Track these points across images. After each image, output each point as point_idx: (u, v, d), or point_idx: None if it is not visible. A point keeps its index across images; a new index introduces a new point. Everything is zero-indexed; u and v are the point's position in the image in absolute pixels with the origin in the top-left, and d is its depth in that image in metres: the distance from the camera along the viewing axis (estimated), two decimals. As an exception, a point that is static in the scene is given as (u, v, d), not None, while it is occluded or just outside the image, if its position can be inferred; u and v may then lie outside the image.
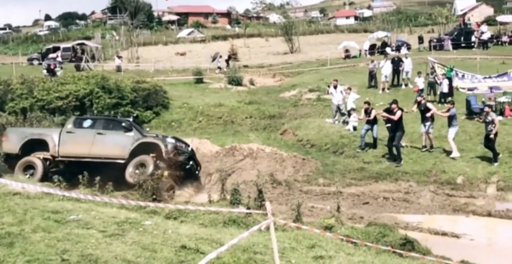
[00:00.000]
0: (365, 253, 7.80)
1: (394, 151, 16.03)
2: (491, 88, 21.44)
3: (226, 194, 12.01)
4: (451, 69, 24.15)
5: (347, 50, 41.45)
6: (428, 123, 16.50)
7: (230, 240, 7.23)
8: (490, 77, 24.03)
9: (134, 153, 14.47)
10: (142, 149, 14.54)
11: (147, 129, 17.22)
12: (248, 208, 10.08)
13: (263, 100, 26.57)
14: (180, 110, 24.30)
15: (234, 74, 31.76)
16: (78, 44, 44.28)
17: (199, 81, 31.34)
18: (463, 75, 24.85)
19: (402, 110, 16.45)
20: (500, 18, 50.03)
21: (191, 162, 15.38)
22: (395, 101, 16.63)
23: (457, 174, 14.87)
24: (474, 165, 15.31)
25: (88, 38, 56.89)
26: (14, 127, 16.97)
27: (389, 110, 16.44)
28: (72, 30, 79.12)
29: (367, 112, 17.25)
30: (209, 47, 51.61)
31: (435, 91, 23.35)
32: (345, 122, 19.88)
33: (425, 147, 16.61)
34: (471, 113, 20.04)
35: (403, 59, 27.00)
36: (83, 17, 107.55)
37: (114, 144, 14.74)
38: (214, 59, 37.62)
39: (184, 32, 68.71)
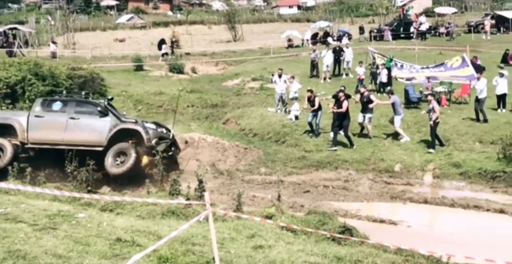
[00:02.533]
0: (305, 241, 7.86)
1: (333, 137, 16.49)
2: (428, 78, 22.06)
3: (165, 185, 11.82)
4: (391, 60, 24.72)
5: (290, 40, 41.68)
6: (368, 115, 16.95)
7: (168, 232, 7.11)
8: (427, 67, 24.65)
9: (112, 140, 13.59)
10: (121, 135, 13.71)
11: (124, 113, 15.99)
12: (188, 199, 9.96)
13: (206, 88, 26.32)
14: (118, 99, 23.58)
15: (175, 62, 31.27)
16: (10, 29, 42.24)
17: (139, 68, 30.65)
18: (401, 66, 25.39)
19: (349, 97, 16.85)
20: (438, 9, 51.63)
21: (173, 148, 14.70)
22: (342, 90, 17.06)
23: (395, 162, 15.28)
24: (412, 153, 15.79)
25: (22, 22, 54.31)
26: None
27: (336, 98, 16.77)
28: (4, 14, 75.48)
29: (310, 100, 17.45)
30: (150, 34, 50.57)
31: (376, 81, 23.90)
32: (287, 112, 20.02)
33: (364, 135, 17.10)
34: (409, 102, 20.64)
35: (344, 49, 27.46)
36: (16, 0, 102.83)
37: (89, 130, 13.73)
38: (160, 45, 36.80)
39: (123, 18, 66.92)
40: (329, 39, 38.83)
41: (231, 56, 36.96)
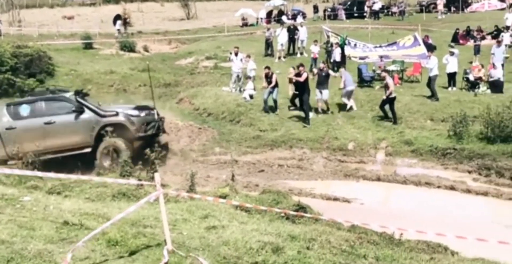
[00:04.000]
0: (259, 221, 7.78)
1: (304, 112, 16.67)
2: (381, 57, 22.31)
3: (116, 167, 11.51)
4: (344, 39, 24.83)
5: (244, 18, 41.25)
6: (325, 91, 17.06)
7: (118, 214, 6.88)
8: (380, 46, 24.93)
9: (98, 138, 12.81)
10: (106, 131, 12.80)
11: (99, 103, 14.73)
12: (139, 180, 9.71)
13: (158, 67, 25.75)
14: (67, 78, 22.91)
15: (126, 40, 30.45)
16: (-51, 4, 40.14)
17: (88, 47, 29.68)
18: (355, 45, 25.58)
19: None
20: (391, -11, 52.07)
21: (160, 129, 14.10)
22: (301, 65, 17.37)
23: (348, 140, 15.43)
24: (364, 131, 15.97)
25: (-38, -2, 51.68)
26: None
27: (297, 73, 16.97)
28: None
29: (268, 77, 17.42)
30: (100, 11, 49.10)
31: (330, 59, 23.98)
32: (242, 91, 19.87)
33: (321, 111, 17.18)
34: (362, 81, 20.82)
35: (299, 27, 27.37)
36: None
37: (70, 132, 12.73)
38: (115, 21, 35.77)
39: (72, -5, 64.61)
40: (284, 18, 38.65)
41: (184, 34, 36.31)
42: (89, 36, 30.59)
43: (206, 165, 13.97)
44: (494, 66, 19.63)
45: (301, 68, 16.93)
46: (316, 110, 17.26)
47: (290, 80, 17.71)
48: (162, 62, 27.44)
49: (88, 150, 12.71)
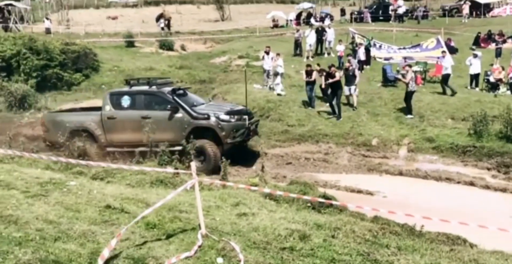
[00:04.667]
0: (286, 209, 7.74)
1: (336, 108, 16.60)
2: (405, 58, 21.95)
3: (154, 156, 11.60)
4: (370, 40, 24.52)
5: (275, 20, 41.07)
6: (353, 87, 17.03)
7: (156, 199, 6.94)
8: (404, 48, 24.61)
9: (187, 138, 12.31)
10: (195, 133, 12.36)
11: (210, 99, 14.46)
12: (176, 168, 9.76)
13: (194, 65, 25.88)
14: (110, 73, 23.22)
15: (165, 39, 30.67)
16: (6, 4, 40.97)
17: (130, 45, 30.00)
18: (380, 46, 25.32)
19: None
20: (415, -6, 51.10)
21: (250, 134, 13.30)
22: (332, 65, 17.56)
23: (372, 137, 15.23)
24: (388, 128, 15.74)
25: (17, -1, 52.78)
26: (53, 113, 14.39)
27: (328, 73, 17.07)
28: (0, -9, 73.19)
29: (309, 73, 17.38)
30: (141, 12, 49.49)
31: (355, 57, 23.75)
32: (272, 88, 19.86)
33: (351, 106, 17.06)
34: (386, 81, 20.52)
35: (327, 29, 27.14)
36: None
37: (164, 129, 12.35)
38: (158, 19, 36.18)
39: (116, -3, 65.35)
40: (312, 20, 38.32)
41: (219, 34, 36.36)
42: (131, 35, 30.92)
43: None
44: (514, 68, 19.10)
45: (333, 68, 16.99)
46: (351, 105, 17.15)
47: (308, 73, 17.63)
48: (198, 60, 27.54)
49: (179, 148, 12.06)
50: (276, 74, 19.72)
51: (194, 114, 12.66)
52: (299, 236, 6.31)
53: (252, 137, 13.64)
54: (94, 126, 13.01)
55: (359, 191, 11.43)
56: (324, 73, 17.30)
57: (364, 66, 22.90)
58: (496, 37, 27.54)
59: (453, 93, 17.74)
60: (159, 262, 5.29)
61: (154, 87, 13.19)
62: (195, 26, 40.59)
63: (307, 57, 25.68)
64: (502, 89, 19.07)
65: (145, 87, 13.23)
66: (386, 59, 23.73)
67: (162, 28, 35.43)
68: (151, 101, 12.94)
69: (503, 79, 19.43)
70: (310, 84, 17.50)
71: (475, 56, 19.58)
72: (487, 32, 28.53)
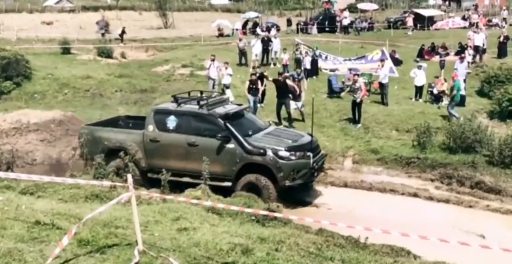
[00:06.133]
0: (229, 223, 7.74)
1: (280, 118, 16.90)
2: (350, 69, 22.54)
3: (89, 169, 11.31)
4: (315, 50, 25.14)
5: (220, 29, 41.25)
6: (299, 103, 17.34)
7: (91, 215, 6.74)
8: (350, 59, 25.23)
9: (238, 174, 11.19)
10: (247, 169, 11.12)
11: (269, 122, 13.06)
12: (112, 181, 9.55)
13: (135, 74, 25.49)
14: (44, 82, 22.46)
15: (104, 46, 30.12)
16: None
17: (66, 52, 29.20)
18: (326, 57, 25.88)
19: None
20: (361, 5, 52.80)
21: (315, 174, 11.76)
22: (280, 73, 18.31)
23: (318, 148, 15.47)
24: (333, 139, 16.07)
25: None
26: (91, 127, 12.88)
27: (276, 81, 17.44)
28: None
29: (253, 83, 17.56)
30: (78, 18, 48.40)
31: (300, 67, 24.32)
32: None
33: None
34: (332, 92, 21.03)
35: (273, 39, 27.56)
36: None
37: (212, 160, 10.82)
38: (99, 23, 35.72)
39: (51, 1, 63.41)
40: (258, 30, 38.79)
41: (162, 42, 36.09)
42: (67, 42, 30.12)
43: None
44: (456, 80, 19.99)
45: (284, 76, 17.54)
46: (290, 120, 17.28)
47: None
48: (139, 68, 27.14)
49: (228, 184, 11.07)
50: (224, 85, 19.82)
51: (248, 147, 11.07)
52: (241, 250, 6.32)
53: (317, 177, 12.04)
54: (134, 147, 11.78)
55: (305, 204, 11.56)
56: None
57: (309, 77, 23.36)
58: (440, 50, 28.87)
59: (384, 102, 18.53)
60: (92, 281, 5.15)
61: (204, 108, 11.63)
62: (137, 33, 40.07)
63: (253, 67, 25.86)
64: (445, 101, 19.89)
65: (195, 107, 11.70)
66: (331, 70, 24.26)
67: (103, 34, 34.84)
68: (199, 126, 11.50)
69: (446, 91, 20.30)
70: (254, 94, 17.55)
71: (420, 67, 20.40)
72: (430, 44, 29.82)
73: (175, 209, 8.02)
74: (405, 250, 8.04)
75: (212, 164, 10.77)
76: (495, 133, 14.41)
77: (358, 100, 16.91)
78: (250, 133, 11.58)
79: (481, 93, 20.95)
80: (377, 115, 17.80)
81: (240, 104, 13.39)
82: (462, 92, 19.65)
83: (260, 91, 17.81)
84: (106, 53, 29.17)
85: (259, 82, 17.72)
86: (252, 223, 8.08)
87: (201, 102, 11.79)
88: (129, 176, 5.98)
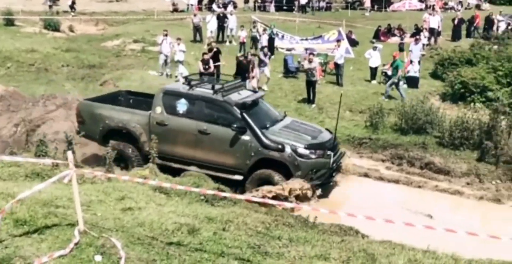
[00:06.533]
0: (177, 203, 7.65)
1: None
2: (306, 49, 22.60)
3: (31, 146, 10.91)
4: (272, 29, 25.01)
5: (174, 4, 40.43)
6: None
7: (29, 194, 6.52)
8: (306, 39, 25.31)
9: (251, 168, 10.52)
10: (262, 164, 10.45)
11: (284, 113, 12.26)
12: (55, 159, 9.24)
13: (83, 48, 24.71)
14: (-16, 55, 21.53)
15: (51, 19, 29.03)
16: None
17: (10, 23, 28.02)
18: (282, 36, 25.83)
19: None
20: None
21: (333, 175, 11.11)
22: (242, 55, 18.37)
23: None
24: (288, 119, 16.10)
25: None
26: (91, 103, 11.95)
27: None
28: None
29: (206, 63, 17.29)
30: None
31: (256, 45, 24.28)
32: (169, 76, 19.63)
33: None
34: (287, 72, 21.05)
35: (229, 16, 27.24)
36: None
37: (223, 151, 10.43)
38: None
39: (-6, -31, 60.70)
40: (214, 6, 38.22)
41: (113, 16, 35.09)
42: (10, 13, 28.88)
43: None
44: (411, 62, 20.40)
45: (250, 57, 17.59)
46: None
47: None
48: (87, 43, 26.33)
49: (239, 177, 10.45)
50: (177, 61, 19.52)
51: (265, 141, 10.34)
52: (187, 230, 6.27)
53: (335, 177, 11.33)
54: (138, 129, 11.03)
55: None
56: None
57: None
58: (396, 32, 29.34)
59: (340, 83, 18.77)
60: (28, 262, 4.98)
61: (219, 94, 10.79)
62: (87, 6, 38.76)
63: (208, 44, 25.53)
64: (400, 82, 20.23)
65: (209, 92, 10.86)
66: (288, 49, 24.27)
67: (50, 6, 33.58)
68: (212, 113, 10.75)
69: (401, 73, 20.64)
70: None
71: (375, 49, 20.65)
72: (387, 26, 30.21)
73: (120, 188, 7.85)
74: (354, 229, 8.19)
75: (223, 155, 10.41)
76: (446, 114, 14.77)
77: (313, 80, 17.00)
78: (267, 125, 10.90)
79: (434, 75, 21.46)
80: (332, 96, 17.93)
81: (255, 91, 12.57)
82: (416, 74, 20.13)
83: (212, 69, 17.57)
84: (53, 26, 28.18)
85: (211, 61, 17.47)
86: (201, 203, 8.02)
87: (216, 87, 10.90)
88: (70, 153, 5.78)
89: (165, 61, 20.07)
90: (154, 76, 19.60)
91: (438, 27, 27.65)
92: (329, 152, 10.69)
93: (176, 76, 19.15)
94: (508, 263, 6.92)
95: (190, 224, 6.43)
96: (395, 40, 28.15)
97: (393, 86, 17.93)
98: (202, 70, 17.30)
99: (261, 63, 18.41)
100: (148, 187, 8.15)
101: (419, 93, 17.82)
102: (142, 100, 12.37)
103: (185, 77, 11.94)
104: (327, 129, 11.86)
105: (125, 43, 25.74)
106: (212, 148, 10.48)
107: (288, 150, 10.31)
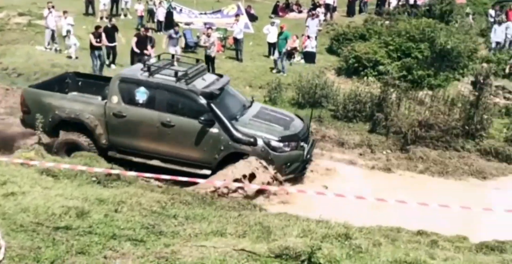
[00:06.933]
0: (66, 185, 7.29)
1: None
2: (205, 24, 22.33)
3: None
4: (170, 2, 24.44)
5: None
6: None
7: None
8: (205, 13, 24.99)
9: (220, 164, 9.71)
10: (232, 158, 9.65)
11: (252, 98, 11.55)
12: None
13: (-41, 22, 22.68)
14: None
15: None
16: None
17: None
18: (181, 10, 25.30)
19: None
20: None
21: (306, 166, 10.49)
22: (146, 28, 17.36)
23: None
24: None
25: None
26: (37, 91, 10.69)
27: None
28: None
29: (97, 36, 16.50)
30: None
31: (153, 18, 23.63)
32: (58, 51, 18.59)
33: None
34: (186, 47, 20.67)
35: (123, -12, 26.14)
36: None
37: (189, 145, 9.66)
38: None
39: None
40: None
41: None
42: None
43: (11, 128, 12.68)
44: (308, 38, 20.80)
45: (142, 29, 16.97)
46: None
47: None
48: (-35, 15, 24.21)
49: (207, 172, 9.65)
50: (67, 33, 18.51)
51: (236, 134, 9.65)
52: (76, 213, 6.01)
53: (307, 169, 10.65)
54: (93, 121, 10.07)
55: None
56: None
57: (163, 31, 22.75)
58: (294, 7, 29.76)
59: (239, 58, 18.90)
60: None
61: (183, 82, 9.94)
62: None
63: (101, 18, 24.43)
64: (297, 58, 20.66)
65: (171, 79, 9.96)
66: (186, 24, 23.82)
67: None
68: (176, 103, 9.93)
69: (298, 48, 21.04)
70: (98, 49, 16.58)
71: (273, 24, 20.79)
72: (285, 1, 30.52)
73: (2, 172, 7.34)
74: (252, 203, 8.30)
75: (189, 149, 9.72)
76: (341, 88, 15.29)
77: (212, 55, 16.85)
78: (237, 116, 10.18)
79: (330, 50, 22.06)
80: (231, 71, 17.90)
81: (220, 76, 11.55)
82: (313, 49, 20.59)
83: (105, 44, 16.83)
84: None
85: (103, 35, 16.72)
86: (92, 184, 7.72)
87: (179, 74, 10.02)
88: None
89: (52, 35, 18.98)
90: (41, 51, 18.50)
91: (334, 3, 28.38)
92: (302, 143, 10.22)
93: (66, 51, 18.21)
94: (395, 229, 7.34)
95: (79, 207, 6.16)
96: (293, 15, 28.57)
97: (285, 58, 18.24)
98: (96, 44, 16.55)
99: (171, 41, 17.75)
100: (34, 170, 7.70)
101: (315, 68, 18.27)
102: (92, 83, 11.55)
103: (144, 63, 10.83)
104: (297, 115, 11.49)
105: (9, 17, 23.87)
106: (177, 141, 9.78)
107: (260, 143, 9.66)
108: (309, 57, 20.28)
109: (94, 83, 11.52)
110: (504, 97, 16.78)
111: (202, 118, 9.58)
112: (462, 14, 25.67)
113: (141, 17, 23.62)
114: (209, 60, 17.05)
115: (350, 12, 28.89)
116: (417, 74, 17.02)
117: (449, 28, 20.03)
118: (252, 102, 11.36)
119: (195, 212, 6.86)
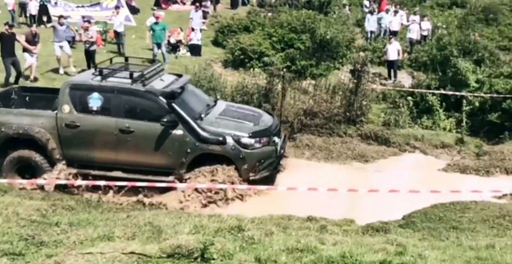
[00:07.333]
0: None
1: None
2: (83, 17, 21.37)
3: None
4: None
5: None
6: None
7: None
8: (83, 6, 23.91)
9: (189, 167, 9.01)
10: (203, 160, 9.00)
11: (216, 97, 10.85)
12: None
13: None
14: None
15: None
16: None
17: None
18: (56, 3, 24.01)
19: None
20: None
21: (280, 162, 9.95)
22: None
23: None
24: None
25: None
26: None
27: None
28: None
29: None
30: None
31: (26, 13, 22.30)
32: None
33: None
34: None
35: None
36: None
37: (152, 150, 8.96)
38: None
39: None
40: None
41: None
42: None
43: None
44: (193, 30, 20.65)
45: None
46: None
47: None
48: None
49: (171, 178, 8.98)
50: None
51: (203, 134, 9.06)
52: None
53: (280, 164, 10.24)
54: (44, 135, 9.11)
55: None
56: None
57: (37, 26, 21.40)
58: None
59: (121, 53, 18.32)
60: None
61: (139, 83, 9.21)
62: None
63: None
64: (182, 50, 20.46)
65: (126, 82, 9.21)
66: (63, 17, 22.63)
67: None
68: (134, 106, 9.20)
69: (183, 41, 20.84)
70: None
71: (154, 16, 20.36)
72: (166, -7, 30.00)
73: None
74: (141, 201, 8.09)
75: (152, 155, 9.09)
76: (228, 80, 15.36)
77: (91, 49, 16.18)
78: (202, 114, 9.58)
79: (216, 43, 22.09)
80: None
81: (179, 75, 10.92)
82: (199, 42, 20.50)
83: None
84: None
85: None
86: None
87: (135, 75, 9.34)
88: None
89: None
90: None
91: (217, -6, 28.43)
92: (275, 138, 9.82)
93: None
94: (286, 217, 7.52)
95: None
96: (176, 7, 28.20)
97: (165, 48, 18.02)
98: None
99: (57, 37, 16.57)
100: None
101: (201, 60, 18.19)
102: (41, 97, 10.54)
103: (95, 66, 10.15)
104: (266, 111, 11.18)
105: None
106: (138, 148, 9.15)
107: (230, 141, 9.17)
108: (195, 49, 20.16)
109: (44, 97, 10.54)
110: (381, 84, 17.88)
111: (164, 120, 9.02)
112: (339, 5, 26.91)
113: (13, 11, 21.94)
114: (89, 54, 16.33)
115: (234, 4, 29.09)
116: (300, 65, 17.61)
117: (328, 19, 20.94)
118: (216, 100, 10.96)
119: (79, 218, 6.53)
